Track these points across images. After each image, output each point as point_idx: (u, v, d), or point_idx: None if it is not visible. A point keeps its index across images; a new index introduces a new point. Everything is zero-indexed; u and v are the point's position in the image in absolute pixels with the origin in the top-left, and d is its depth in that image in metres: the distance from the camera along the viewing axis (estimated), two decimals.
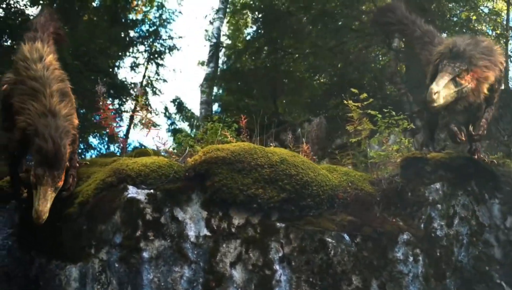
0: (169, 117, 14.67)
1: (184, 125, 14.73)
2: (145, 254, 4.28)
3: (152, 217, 4.38)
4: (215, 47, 13.92)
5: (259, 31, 11.71)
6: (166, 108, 14.72)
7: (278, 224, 4.49)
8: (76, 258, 4.35)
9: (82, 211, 4.51)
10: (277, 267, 4.39)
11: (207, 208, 4.49)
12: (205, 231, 4.41)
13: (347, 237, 4.48)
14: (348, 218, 4.61)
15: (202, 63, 17.42)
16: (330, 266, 4.41)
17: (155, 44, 13.13)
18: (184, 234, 4.39)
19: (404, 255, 4.51)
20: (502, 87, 5.15)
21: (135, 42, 12.00)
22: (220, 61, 14.25)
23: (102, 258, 4.29)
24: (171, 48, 13.37)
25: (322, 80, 12.28)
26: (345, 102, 5.56)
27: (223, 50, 13.90)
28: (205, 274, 4.32)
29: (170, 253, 4.31)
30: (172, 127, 14.69)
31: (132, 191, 4.45)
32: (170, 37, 13.37)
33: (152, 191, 4.47)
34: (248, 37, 12.79)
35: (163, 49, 13.45)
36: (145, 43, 12.78)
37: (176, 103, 14.64)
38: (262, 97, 11.37)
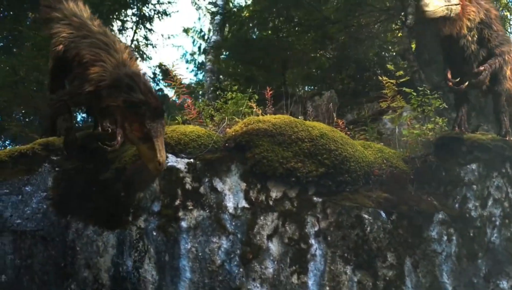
0: (157, 83, 14.44)
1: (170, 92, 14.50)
2: (184, 224, 4.29)
3: (192, 187, 4.36)
4: (222, 15, 13.63)
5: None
6: (154, 74, 14.46)
7: (315, 198, 4.50)
8: (113, 224, 4.32)
9: (119, 177, 4.44)
10: (312, 241, 4.42)
11: (246, 180, 4.47)
12: (243, 203, 4.41)
13: (383, 214, 4.50)
14: (384, 195, 4.63)
15: (187, 31, 17.21)
16: (366, 242, 4.45)
17: (144, 8, 12.65)
18: (223, 205, 4.38)
19: (438, 234, 4.56)
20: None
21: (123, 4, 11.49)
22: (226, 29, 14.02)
23: (140, 226, 4.28)
24: (161, 13, 12.98)
25: (328, 54, 12.12)
26: (380, 78, 5.50)
27: (228, 18, 13.58)
28: (243, 245, 4.34)
29: (209, 224, 4.31)
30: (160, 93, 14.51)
31: (172, 160, 4.41)
32: (160, 2, 12.93)
33: (192, 160, 4.44)
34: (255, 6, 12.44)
35: (152, 14, 13.03)
36: (134, 6, 12.26)
37: (161, 70, 14.37)
38: (271, 69, 11.19)
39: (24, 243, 4.22)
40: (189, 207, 4.30)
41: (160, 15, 12.65)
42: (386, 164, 4.80)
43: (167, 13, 12.47)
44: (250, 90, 5.69)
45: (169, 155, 4.43)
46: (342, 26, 10.31)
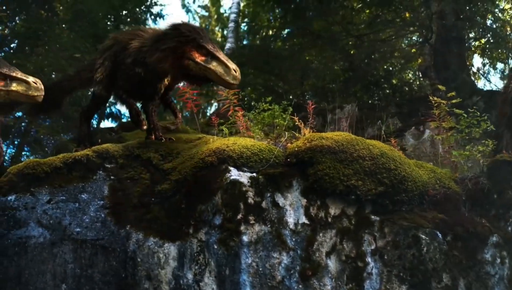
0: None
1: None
2: (245, 238, 4.30)
3: (254, 201, 4.38)
4: (235, 23, 13.68)
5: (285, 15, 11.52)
6: None
7: (372, 217, 4.55)
8: (173, 236, 4.32)
9: (179, 189, 4.45)
10: (369, 259, 4.46)
11: (306, 196, 4.51)
12: (303, 219, 4.44)
13: (439, 235, 4.55)
14: (440, 216, 4.69)
15: None
16: (422, 262, 4.50)
17: (137, 9, 12.58)
18: (284, 221, 4.41)
19: (492, 256, 4.63)
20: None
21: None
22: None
23: (201, 239, 4.30)
24: (155, 16, 12.93)
25: (343, 67, 12.25)
26: (430, 98, 5.57)
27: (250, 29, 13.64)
28: (302, 262, 4.37)
29: (270, 239, 4.34)
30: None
31: (235, 173, 4.43)
32: (155, 3, 12.84)
33: (254, 174, 4.45)
34: (272, 18, 12.51)
35: (146, 16, 12.95)
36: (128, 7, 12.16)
37: None
38: (289, 79, 11.26)
39: (84, 252, 4.22)
40: (251, 222, 4.32)
41: (154, 17, 12.62)
42: (439, 185, 4.86)
43: (162, 15, 12.44)
44: (310, 104, 5.67)
45: (232, 169, 4.44)
46: (360, 41, 10.37)
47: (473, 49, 11.50)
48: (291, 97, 6.84)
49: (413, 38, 12.36)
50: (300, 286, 4.31)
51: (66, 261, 4.18)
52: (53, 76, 8.32)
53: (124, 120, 11.91)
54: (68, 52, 8.16)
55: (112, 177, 4.61)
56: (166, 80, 4.99)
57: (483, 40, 11.19)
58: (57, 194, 4.45)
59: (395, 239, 4.50)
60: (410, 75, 13.36)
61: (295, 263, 4.35)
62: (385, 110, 9.40)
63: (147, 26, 10.64)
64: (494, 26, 10.55)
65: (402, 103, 10.32)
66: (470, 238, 4.64)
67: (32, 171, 4.55)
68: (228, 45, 13.51)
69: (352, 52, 11.25)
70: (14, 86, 4.37)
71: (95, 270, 4.18)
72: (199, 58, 4.38)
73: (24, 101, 4.48)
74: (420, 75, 12.64)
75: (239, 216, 4.34)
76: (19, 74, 4.39)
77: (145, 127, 5.05)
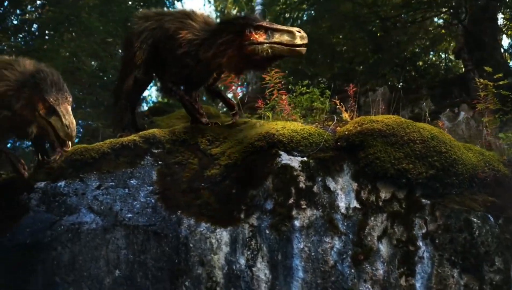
0: None
1: None
2: (297, 223, 4.28)
3: (305, 186, 4.36)
4: (263, 6, 13.58)
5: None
6: None
7: (423, 200, 4.51)
8: (224, 222, 4.28)
9: (229, 173, 4.43)
10: (420, 243, 4.43)
11: (357, 180, 4.48)
12: (355, 203, 4.41)
13: (491, 218, 4.50)
14: (490, 199, 4.64)
15: None
16: (474, 246, 4.46)
17: None
18: (335, 205, 4.39)
19: None
20: None
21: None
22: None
23: (253, 224, 4.28)
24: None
25: (368, 50, 12.16)
26: (476, 80, 5.50)
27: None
28: (354, 246, 4.34)
29: (321, 223, 4.31)
30: None
31: (285, 158, 4.40)
32: None
33: (305, 158, 4.41)
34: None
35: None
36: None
37: None
38: (318, 62, 11.17)
39: (137, 238, 4.21)
40: (303, 206, 4.29)
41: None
42: (488, 167, 4.81)
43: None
44: (351, 87, 5.62)
45: (282, 153, 4.41)
46: (390, 23, 10.26)
47: (503, 29, 11.36)
48: (320, 80, 6.75)
49: (440, 20, 12.22)
50: (352, 270, 4.29)
51: (119, 247, 4.18)
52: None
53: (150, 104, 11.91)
54: (99, 36, 8.12)
55: (160, 162, 4.60)
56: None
57: None
58: (106, 179, 4.43)
59: (446, 222, 4.46)
60: (438, 56, 13.26)
61: (347, 247, 4.33)
62: (417, 92, 9.31)
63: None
64: None
65: (434, 85, 10.21)
66: None
67: (81, 157, 4.55)
68: None
69: (379, 34, 11.11)
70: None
71: (148, 256, 4.18)
72: (261, 38, 4.29)
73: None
74: (447, 57, 12.55)
75: (291, 201, 4.31)
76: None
77: (204, 119, 5.02)
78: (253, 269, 4.23)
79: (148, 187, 4.44)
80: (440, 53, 14.09)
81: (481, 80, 5.50)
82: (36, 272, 4.08)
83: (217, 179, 4.45)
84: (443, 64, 13.77)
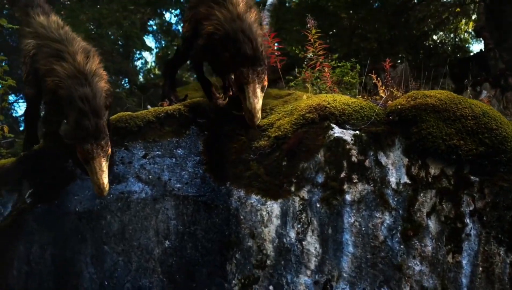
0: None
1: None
2: (348, 197, 4.26)
3: (357, 160, 4.32)
4: None
5: None
6: None
7: (472, 177, 4.48)
8: (275, 194, 4.25)
9: (279, 145, 4.38)
10: (467, 220, 4.42)
11: (407, 155, 4.45)
12: (405, 179, 4.38)
13: None
14: None
15: None
16: None
17: None
18: (386, 180, 4.35)
19: None
20: None
21: None
22: None
23: (303, 197, 4.24)
24: None
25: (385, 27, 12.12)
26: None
27: None
28: (404, 222, 4.33)
29: (372, 198, 4.29)
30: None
31: (337, 131, 4.36)
32: None
33: (357, 132, 4.36)
34: None
35: None
36: None
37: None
38: (338, 36, 11.06)
39: (186, 209, 4.17)
40: (354, 181, 4.26)
41: None
42: None
43: None
44: (387, 61, 5.54)
45: (334, 126, 4.37)
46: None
47: None
48: (337, 55, 6.66)
49: None
50: (401, 246, 4.28)
51: (169, 217, 4.13)
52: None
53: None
54: (121, 3, 7.97)
55: (205, 132, 4.52)
56: None
57: None
58: (152, 149, 4.37)
59: (494, 200, 4.45)
60: (448, 35, 13.25)
61: (397, 223, 4.31)
62: (436, 70, 9.26)
63: None
64: None
65: (453, 64, 10.17)
66: None
67: (125, 125, 4.49)
68: (270, 1, 13.22)
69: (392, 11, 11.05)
70: None
71: (198, 227, 4.14)
72: (235, 82, 4.28)
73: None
74: (458, 36, 12.53)
75: (343, 175, 4.27)
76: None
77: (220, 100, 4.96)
78: (303, 242, 4.20)
79: (195, 158, 4.37)
80: (451, 32, 14.05)
81: None
82: (86, 241, 4.03)
83: (266, 151, 4.39)
84: (452, 42, 13.73)
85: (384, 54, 10.77)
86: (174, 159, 4.37)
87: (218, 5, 4.51)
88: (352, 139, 4.36)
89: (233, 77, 4.36)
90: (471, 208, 4.43)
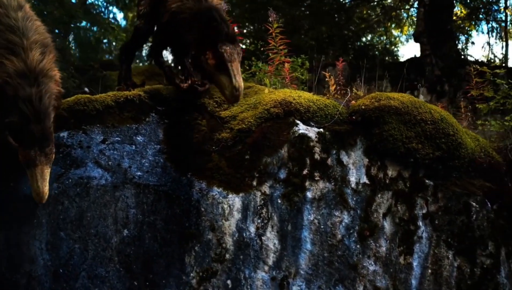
0: None
1: None
2: (309, 194, 4.46)
3: (320, 157, 4.53)
4: None
5: None
6: None
7: (426, 181, 4.79)
8: (236, 187, 4.39)
9: (242, 138, 4.52)
10: (420, 223, 4.74)
11: (368, 155, 4.69)
12: (364, 179, 4.63)
13: (488, 203, 4.87)
14: (487, 185, 4.99)
15: None
16: (470, 229, 4.81)
17: None
18: (347, 179, 4.59)
19: None
20: None
21: None
22: None
23: (265, 192, 4.41)
24: None
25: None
26: (470, 67, 5.85)
27: None
28: (361, 222, 4.57)
29: (332, 197, 4.51)
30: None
31: (302, 127, 4.54)
32: None
33: (321, 130, 4.58)
34: None
35: None
36: None
37: None
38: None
39: (147, 198, 4.24)
40: (316, 178, 4.47)
41: None
42: (484, 153, 5.14)
43: None
44: (340, 60, 5.81)
45: (299, 122, 4.56)
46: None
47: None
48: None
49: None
50: (358, 246, 4.53)
51: (128, 206, 4.19)
52: None
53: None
54: None
55: (165, 120, 4.60)
56: None
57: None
58: (111, 134, 4.40)
59: (447, 204, 4.77)
60: (379, 38, 13.91)
61: (355, 222, 4.55)
62: (372, 71, 9.66)
63: None
64: None
65: (389, 66, 10.63)
66: None
67: (83, 108, 4.48)
68: None
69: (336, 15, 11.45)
70: None
71: (158, 217, 4.21)
72: (211, 60, 4.25)
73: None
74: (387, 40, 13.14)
75: (305, 172, 4.47)
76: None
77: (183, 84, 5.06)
78: (262, 238, 4.37)
79: (155, 146, 4.45)
80: (381, 35, 14.75)
81: (479, 67, 5.83)
82: (41, 226, 4.03)
83: (228, 143, 4.50)
84: (382, 45, 14.39)
85: (321, 52, 11.14)
86: (134, 146, 4.43)
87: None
88: (316, 137, 4.55)
89: (203, 58, 4.31)
90: (424, 211, 4.73)
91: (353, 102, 4.86)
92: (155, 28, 5.03)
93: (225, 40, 4.18)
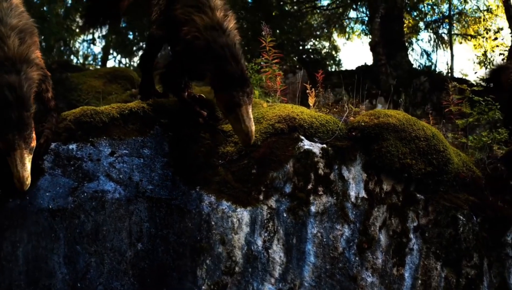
0: None
1: None
2: (313, 208, 4.92)
3: (324, 172, 5.01)
4: None
5: None
6: None
7: (418, 195, 5.38)
8: (244, 201, 4.81)
9: (247, 153, 4.91)
10: (411, 236, 5.29)
11: (366, 171, 5.19)
12: (363, 193, 5.15)
13: (474, 217, 5.54)
14: (471, 199, 5.62)
15: None
16: (457, 241, 5.38)
17: None
18: (347, 194, 5.07)
19: None
20: None
21: None
22: None
23: (271, 206, 4.84)
24: None
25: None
26: (453, 85, 6.52)
27: None
28: (360, 235, 5.09)
29: (334, 211, 4.99)
30: None
31: (307, 143, 5.00)
32: None
33: (324, 145, 5.09)
34: None
35: None
36: None
37: None
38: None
39: (159, 211, 4.59)
40: (319, 193, 4.94)
41: None
42: (466, 168, 5.78)
43: None
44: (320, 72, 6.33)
45: (303, 138, 5.03)
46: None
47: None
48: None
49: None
50: (357, 258, 5.03)
51: (142, 220, 4.51)
52: None
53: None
54: None
55: (169, 133, 4.96)
56: None
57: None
58: (119, 146, 4.68)
59: (436, 217, 5.32)
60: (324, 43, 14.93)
61: (354, 235, 5.03)
62: (328, 79, 10.26)
63: None
64: None
65: (345, 75, 11.30)
66: (496, 221, 5.62)
67: (90, 120, 4.75)
68: None
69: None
70: None
71: (170, 231, 4.55)
72: (221, 102, 4.65)
73: None
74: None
75: (310, 186, 4.93)
76: None
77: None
78: (269, 251, 4.79)
79: (162, 159, 4.78)
80: (325, 41, 15.69)
81: (456, 84, 6.51)
82: (59, 240, 4.30)
83: (234, 157, 4.88)
84: (326, 51, 15.33)
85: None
86: (142, 159, 4.76)
87: (195, 8, 4.78)
88: (320, 152, 5.02)
89: (216, 97, 4.63)
90: (415, 224, 5.28)
91: (351, 118, 5.36)
92: (170, 54, 5.28)
93: (236, 85, 4.47)
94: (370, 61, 13.64)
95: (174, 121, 4.94)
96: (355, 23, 15.76)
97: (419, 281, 5.13)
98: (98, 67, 17.47)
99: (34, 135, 4.11)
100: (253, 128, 4.41)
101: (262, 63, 6.18)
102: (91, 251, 4.26)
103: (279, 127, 4.90)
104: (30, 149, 4.07)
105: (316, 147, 4.84)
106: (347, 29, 16.26)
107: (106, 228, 4.31)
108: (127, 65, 19.62)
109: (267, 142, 4.82)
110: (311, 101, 6.19)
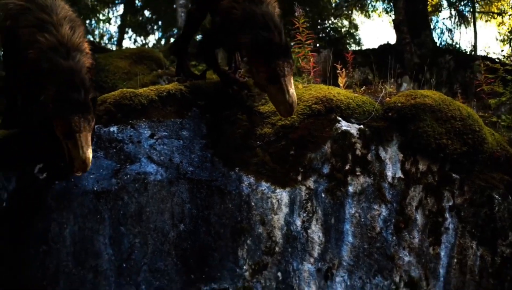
0: None
1: None
2: (350, 189, 5.04)
3: (361, 153, 5.12)
4: None
5: None
6: None
7: (453, 175, 5.48)
8: (283, 182, 4.94)
9: (285, 134, 5.04)
10: (447, 215, 5.40)
11: (402, 151, 5.29)
12: (399, 173, 5.25)
13: (510, 196, 5.65)
14: (506, 178, 5.72)
15: None
16: (492, 220, 5.48)
17: None
18: (384, 174, 5.19)
19: None
20: None
21: None
22: None
23: (310, 187, 4.96)
24: None
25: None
26: (480, 63, 6.61)
27: None
28: (396, 215, 5.22)
29: (372, 191, 5.10)
30: None
31: (344, 124, 5.10)
32: None
33: (362, 126, 5.20)
34: None
35: None
36: None
37: None
38: None
39: (200, 193, 4.72)
40: (357, 173, 5.06)
41: None
42: (500, 147, 5.89)
43: None
44: (350, 53, 6.42)
45: (340, 119, 5.14)
46: None
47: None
48: None
49: None
50: (394, 237, 5.15)
51: (184, 201, 4.64)
52: None
53: None
54: None
55: (207, 115, 5.09)
56: None
57: None
58: (158, 128, 4.81)
59: (472, 197, 5.42)
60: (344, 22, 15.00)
61: (391, 215, 5.15)
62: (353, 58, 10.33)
63: None
64: None
65: (366, 54, 11.36)
66: None
67: (129, 102, 4.87)
68: None
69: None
70: None
71: (211, 211, 4.68)
72: (263, 74, 4.56)
73: None
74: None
75: (347, 167, 5.04)
76: None
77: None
78: (308, 231, 4.92)
79: (201, 141, 4.90)
80: (346, 19, 15.75)
81: (489, 63, 6.59)
82: (104, 221, 4.45)
83: (271, 139, 5.00)
84: (346, 30, 15.40)
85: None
86: (181, 141, 4.88)
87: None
88: (357, 133, 5.12)
89: (255, 67, 4.63)
90: (450, 204, 5.38)
91: (387, 99, 5.47)
92: (210, 25, 5.38)
93: (278, 53, 4.45)
94: (389, 40, 13.72)
95: (211, 103, 5.04)
96: (376, 1, 15.60)
97: (455, 260, 5.23)
98: (114, 47, 17.54)
99: (94, 116, 4.26)
100: (296, 98, 4.41)
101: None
102: (135, 232, 4.40)
103: (316, 108, 5.01)
104: (92, 130, 4.23)
105: (353, 128, 4.95)
106: (369, 7, 16.18)
107: (149, 209, 4.44)
108: (143, 44, 19.66)
109: (305, 123, 4.93)
110: (341, 81, 6.25)
